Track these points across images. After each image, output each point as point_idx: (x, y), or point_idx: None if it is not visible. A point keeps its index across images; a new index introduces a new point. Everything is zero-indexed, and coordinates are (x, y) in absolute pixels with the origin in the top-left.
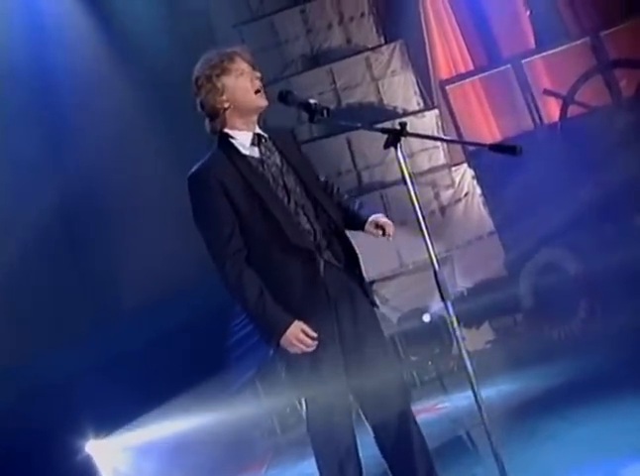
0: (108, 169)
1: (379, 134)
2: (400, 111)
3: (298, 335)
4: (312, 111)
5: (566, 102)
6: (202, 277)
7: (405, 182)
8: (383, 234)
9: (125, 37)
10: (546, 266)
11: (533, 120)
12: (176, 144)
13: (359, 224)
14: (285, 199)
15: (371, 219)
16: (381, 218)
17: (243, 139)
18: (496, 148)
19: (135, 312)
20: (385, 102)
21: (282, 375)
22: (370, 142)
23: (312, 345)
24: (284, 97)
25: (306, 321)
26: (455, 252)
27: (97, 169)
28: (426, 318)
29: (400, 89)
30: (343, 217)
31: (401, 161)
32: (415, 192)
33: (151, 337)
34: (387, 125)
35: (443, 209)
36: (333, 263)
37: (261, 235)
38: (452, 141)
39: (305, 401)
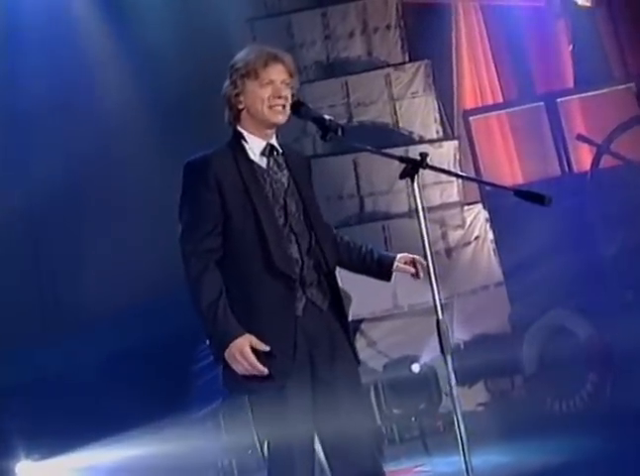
0: (79, 170)
1: (390, 159)
2: (416, 137)
3: (243, 349)
4: (326, 128)
5: (600, 151)
6: (173, 290)
7: (418, 219)
8: (416, 273)
9: (127, 23)
10: (555, 328)
11: (561, 166)
12: (162, 146)
13: (384, 263)
14: (281, 220)
15: (400, 256)
16: (413, 255)
17: (254, 145)
18: (523, 194)
19: (94, 323)
20: (401, 126)
21: (249, 412)
22: (378, 166)
23: (257, 367)
24: (297, 109)
25: (270, 356)
26: (456, 300)
27: (66, 169)
28: (415, 369)
29: (419, 113)
30: (356, 258)
31: (417, 195)
32: (427, 231)
33: (108, 352)
34: (400, 151)
35: (449, 251)
36: (316, 303)
37: (244, 248)
38: (474, 180)
39: (268, 445)
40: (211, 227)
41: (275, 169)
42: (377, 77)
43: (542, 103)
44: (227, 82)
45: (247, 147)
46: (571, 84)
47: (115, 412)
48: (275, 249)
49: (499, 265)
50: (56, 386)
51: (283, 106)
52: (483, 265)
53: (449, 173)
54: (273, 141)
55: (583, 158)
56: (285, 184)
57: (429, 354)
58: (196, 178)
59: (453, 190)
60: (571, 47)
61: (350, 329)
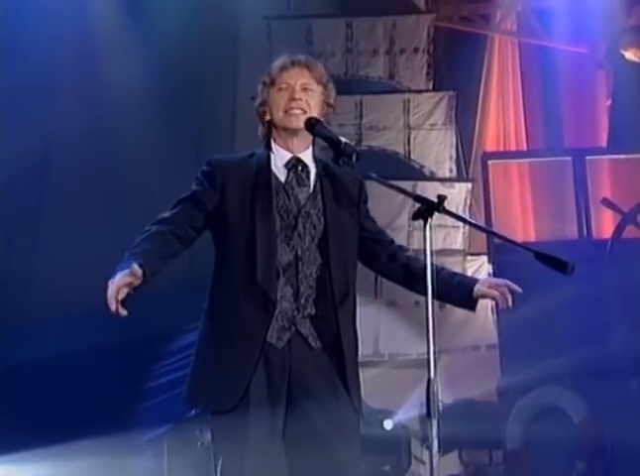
0: (55, 148)
1: (396, 192)
2: (427, 173)
3: (117, 276)
4: (340, 151)
5: (625, 220)
6: (136, 294)
7: (425, 265)
8: (505, 299)
9: (138, 5)
10: (546, 406)
11: (579, 229)
12: (155, 137)
13: (464, 287)
14: (286, 242)
15: (484, 279)
16: (498, 279)
17: (279, 156)
18: (544, 258)
19: (42, 323)
20: (413, 157)
21: (199, 444)
22: (380, 199)
23: (113, 290)
24: (312, 125)
25: (228, 375)
26: (443, 357)
27: (42, 146)
28: (387, 425)
29: (434, 148)
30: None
31: (428, 239)
32: (433, 279)
33: (51, 353)
34: (408, 186)
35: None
36: (306, 338)
37: (232, 261)
38: (492, 233)
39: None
40: (193, 207)
41: (294, 184)
42: (396, 102)
43: (569, 158)
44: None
45: (272, 157)
46: (603, 143)
47: (46, 422)
48: (262, 266)
49: (495, 325)
50: None
51: (301, 110)
52: (478, 323)
53: (466, 221)
54: (303, 154)
55: (604, 224)
56: (302, 203)
57: (405, 412)
58: (206, 173)
59: (457, 237)
60: (609, 102)
61: (351, 375)
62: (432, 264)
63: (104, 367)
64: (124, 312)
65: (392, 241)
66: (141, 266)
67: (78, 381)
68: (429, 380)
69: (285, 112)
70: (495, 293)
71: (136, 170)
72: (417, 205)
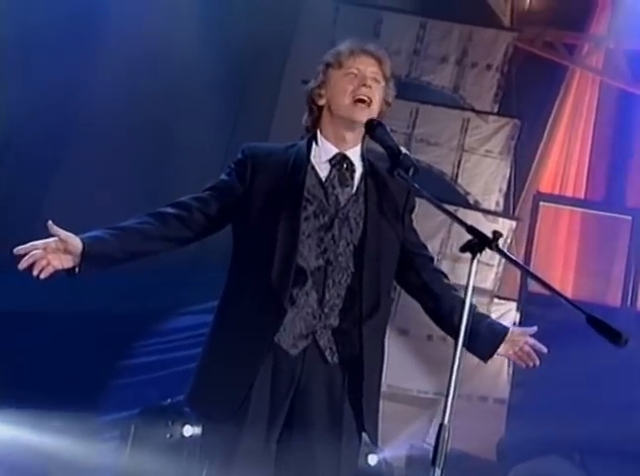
0: (88, 95)
1: (433, 211)
2: (471, 201)
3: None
4: (397, 161)
5: None
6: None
7: (464, 302)
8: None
9: None
10: None
11: (623, 297)
12: (195, 102)
13: (492, 333)
14: (318, 244)
15: (518, 330)
16: (523, 336)
17: (324, 151)
18: (596, 323)
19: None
20: (459, 182)
21: (167, 436)
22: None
23: (25, 247)
24: (373, 127)
25: (227, 381)
26: (444, 400)
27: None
28: (372, 461)
29: (485, 176)
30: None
31: (472, 275)
32: (469, 319)
33: (32, 309)
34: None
35: None
36: (323, 352)
37: (250, 255)
38: (547, 285)
39: None
40: (211, 199)
41: (335, 183)
42: (454, 118)
43: (629, 218)
44: (313, 78)
45: (315, 150)
46: None
47: (10, 382)
48: (278, 268)
49: (509, 379)
50: None
51: (369, 102)
52: (491, 372)
53: (520, 266)
54: (351, 151)
55: None
56: (341, 204)
57: (392, 450)
58: (238, 161)
59: (489, 276)
60: None
61: (368, 399)
62: (471, 304)
63: (83, 332)
64: (36, 273)
65: (432, 259)
66: (91, 238)
67: (53, 341)
68: (442, 425)
69: (354, 103)
70: (512, 356)
71: (169, 131)
72: (468, 236)
